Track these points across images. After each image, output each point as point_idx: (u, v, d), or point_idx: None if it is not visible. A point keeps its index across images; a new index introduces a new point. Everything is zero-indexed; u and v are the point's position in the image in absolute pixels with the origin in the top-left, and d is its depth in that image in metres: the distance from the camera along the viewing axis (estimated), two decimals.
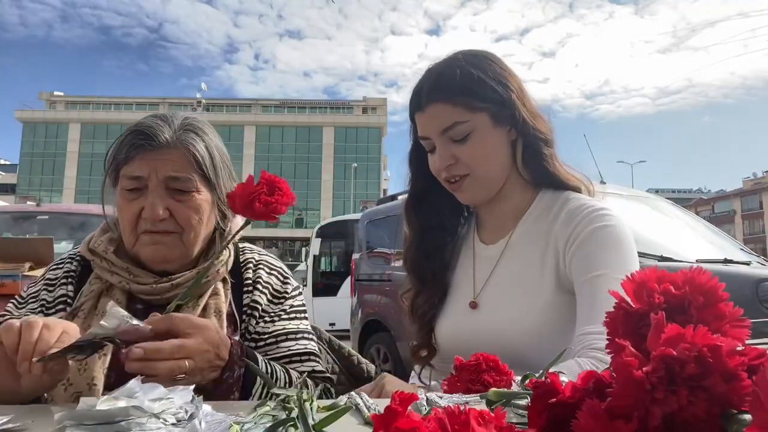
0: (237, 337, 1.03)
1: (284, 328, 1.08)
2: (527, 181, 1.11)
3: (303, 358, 1.06)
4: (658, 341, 0.33)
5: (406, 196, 1.24)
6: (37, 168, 51.60)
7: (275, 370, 0.96)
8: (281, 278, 1.14)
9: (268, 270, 1.14)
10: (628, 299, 0.43)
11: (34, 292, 1.07)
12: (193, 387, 0.62)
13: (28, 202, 6.18)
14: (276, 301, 1.11)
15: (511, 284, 1.05)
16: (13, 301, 1.07)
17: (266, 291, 1.10)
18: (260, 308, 1.08)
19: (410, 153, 1.19)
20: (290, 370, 1.00)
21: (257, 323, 1.07)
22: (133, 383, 0.58)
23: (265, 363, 0.95)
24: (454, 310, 1.11)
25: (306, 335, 1.10)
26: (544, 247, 1.04)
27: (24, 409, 0.63)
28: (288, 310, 1.11)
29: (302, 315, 1.14)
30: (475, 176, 1.06)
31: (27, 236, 4.48)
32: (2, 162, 63.37)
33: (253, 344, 1.06)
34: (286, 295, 1.12)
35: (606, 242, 0.98)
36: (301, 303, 1.15)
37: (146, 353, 0.74)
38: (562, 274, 1.01)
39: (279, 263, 1.18)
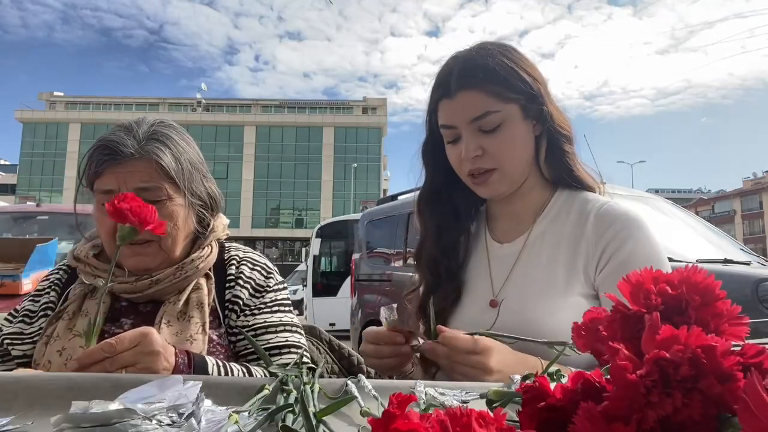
0: (222, 330, 1.08)
1: (265, 321, 1.09)
2: (546, 179, 1.10)
3: (283, 351, 1.07)
4: (652, 343, 0.33)
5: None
6: (37, 168, 51.48)
7: (231, 373, 0.95)
8: (264, 273, 1.16)
9: (251, 266, 1.16)
10: (625, 301, 0.43)
11: (22, 307, 1.12)
12: (201, 384, 0.61)
13: (28, 203, 6.18)
14: (258, 294, 1.12)
15: (533, 284, 1.02)
16: (8, 317, 1.12)
17: (248, 285, 1.12)
18: (241, 302, 1.10)
19: (424, 145, 1.14)
20: (253, 367, 1.00)
21: (238, 317, 1.09)
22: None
23: (220, 367, 0.94)
24: (472, 310, 1.07)
25: (288, 328, 1.11)
26: (570, 248, 1.02)
27: (23, 411, 0.63)
28: (269, 303, 1.12)
29: (285, 308, 1.14)
30: (502, 170, 1.02)
31: (27, 236, 4.49)
32: (2, 162, 63.34)
33: (234, 338, 1.08)
34: (268, 289, 1.14)
35: (642, 260, 0.95)
36: (284, 297, 1.16)
37: (79, 360, 0.80)
38: (589, 277, 0.99)
39: (263, 260, 1.20)
